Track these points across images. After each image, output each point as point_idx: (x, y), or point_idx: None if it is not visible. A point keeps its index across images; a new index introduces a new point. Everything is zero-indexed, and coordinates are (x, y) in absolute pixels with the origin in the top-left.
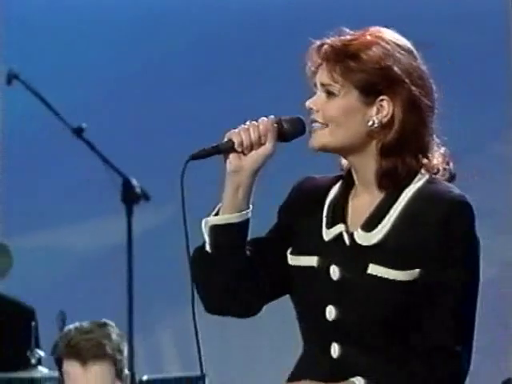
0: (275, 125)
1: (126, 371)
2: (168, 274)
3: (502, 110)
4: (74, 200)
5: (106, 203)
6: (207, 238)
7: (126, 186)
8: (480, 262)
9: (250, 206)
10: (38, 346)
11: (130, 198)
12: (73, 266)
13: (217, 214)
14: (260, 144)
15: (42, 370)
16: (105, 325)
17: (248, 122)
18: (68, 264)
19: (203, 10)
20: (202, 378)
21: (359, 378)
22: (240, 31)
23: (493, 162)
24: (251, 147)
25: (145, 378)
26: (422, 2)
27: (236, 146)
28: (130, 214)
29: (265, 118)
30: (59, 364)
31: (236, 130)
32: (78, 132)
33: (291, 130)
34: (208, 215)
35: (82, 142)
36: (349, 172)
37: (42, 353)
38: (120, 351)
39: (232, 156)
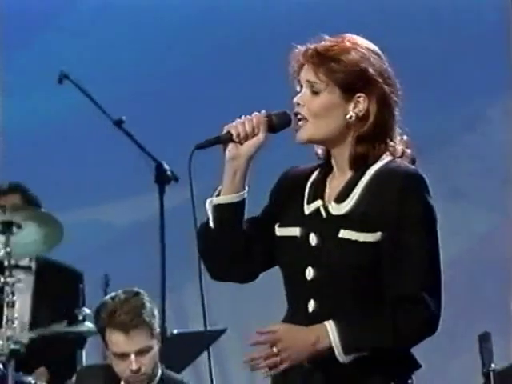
0: (266, 118)
1: (158, 329)
2: (193, 243)
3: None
4: (115, 181)
5: (141, 184)
6: (210, 216)
7: (159, 169)
8: (436, 222)
9: (246, 187)
10: (84, 304)
11: (162, 179)
12: (115, 236)
13: (218, 195)
14: (253, 135)
15: (88, 325)
16: (138, 294)
17: (243, 117)
18: (110, 235)
19: (223, 17)
20: (224, 331)
21: (331, 321)
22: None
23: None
24: (246, 137)
25: (175, 331)
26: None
27: (234, 137)
28: (162, 192)
29: (257, 113)
30: (102, 333)
31: (233, 124)
32: (118, 123)
33: (279, 123)
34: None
35: (122, 133)
36: (327, 159)
37: (87, 310)
38: (153, 316)
39: (230, 145)
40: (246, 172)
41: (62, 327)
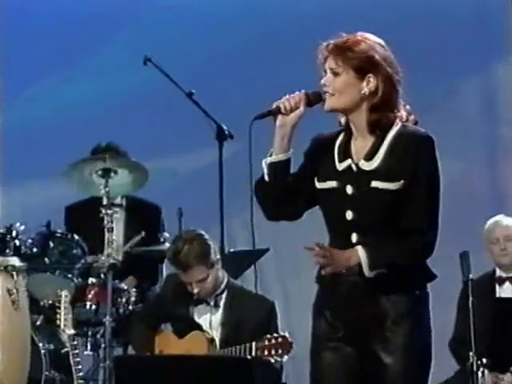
0: (305, 96)
1: (215, 258)
2: (243, 183)
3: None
4: (187, 139)
5: (206, 140)
6: (265, 171)
7: (219, 129)
8: (439, 173)
9: (291, 149)
10: (164, 230)
11: (221, 137)
12: (184, 179)
13: (271, 156)
14: (296, 108)
15: (167, 245)
16: (197, 237)
17: (287, 95)
18: (180, 178)
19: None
20: (267, 250)
21: (360, 246)
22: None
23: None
24: (291, 110)
25: (231, 250)
26: None
27: (282, 110)
28: (221, 147)
29: (298, 92)
30: (172, 265)
31: (281, 100)
32: (189, 95)
33: (314, 99)
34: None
35: (191, 102)
36: (348, 125)
37: (167, 234)
38: (209, 252)
39: (279, 117)
40: (291, 137)
41: (147, 247)
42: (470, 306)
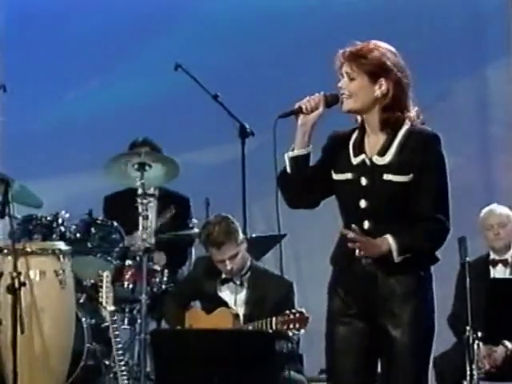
0: (324, 97)
1: (242, 237)
2: (263, 175)
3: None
4: (213, 136)
5: (230, 137)
6: (288, 164)
7: (242, 127)
8: (446, 166)
9: (311, 145)
10: (192, 217)
11: (244, 134)
12: (208, 173)
13: (293, 150)
14: (316, 108)
15: (195, 230)
16: (225, 219)
17: (308, 97)
18: (206, 172)
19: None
20: (284, 235)
21: (389, 235)
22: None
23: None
24: (311, 110)
25: (253, 235)
26: None
27: (303, 110)
28: (243, 143)
29: (317, 94)
30: (205, 246)
31: (303, 101)
32: (215, 97)
33: (332, 100)
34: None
35: (217, 104)
36: (362, 124)
37: (195, 221)
38: (236, 231)
39: (301, 116)
40: (311, 134)
41: (178, 232)
42: (467, 285)
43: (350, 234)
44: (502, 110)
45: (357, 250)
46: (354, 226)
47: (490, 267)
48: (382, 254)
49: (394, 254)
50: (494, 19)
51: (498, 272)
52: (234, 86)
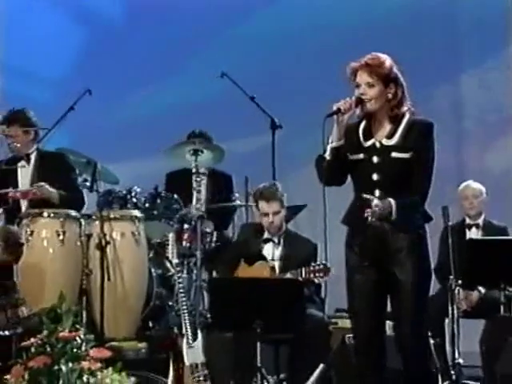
0: (355, 100)
1: (285, 203)
2: (288, 160)
3: None
4: (251, 129)
5: (263, 129)
6: (328, 153)
7: (272, 122)
8: (435, 148)
9: (343, 138)
10: (234, 191)
11: (274, 127)
12: (248, 156)
13: (332, 143)
14: (350, 109)
15: (238, 202)
16: (274, 184)
17: (342, 100)
18: (245, 155)
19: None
20: (305, 206)
21: (391, 199)
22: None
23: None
24: (347, 111)
25: None
26: None
27: (342, 110)
28: (273, 134)
29: (348, 98)
30: (256, 202)
31: (340, 103)
32: (252, 98)
33: (358, 103)
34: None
35: (253, 103)
36: (369, 115)
37: (237, 194)
38: (282, 195)
39: (339, 115)
40: (344, 129)
41: (222, 204)
42: (450, 243)
43: (368, 197)
44: (473, 109)
45: (369, 218)
46: (364, 195)
47: (466, 230)
48: (386, 210)
49: (393, 212)
50: (468, 36)
51: (473, 233)
52: (267, 89)
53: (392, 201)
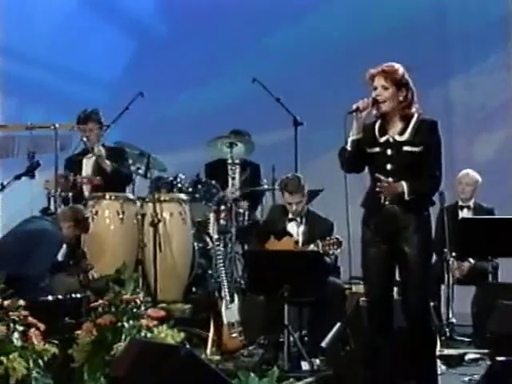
0: (372, 101)
1: (306, 191)
2: (308, 152)
3: None
4: (277, 125)
5: (287, 125)
6: (349, 145)
7: (295, 120)
8: (441, 142)
9: (362, 132)
10: (262, 178)
11: (296, 124)
12: (275, 148)
13: (352, 136)
14: (367, 108)
15: (265, 187)
16: (300, 177)
17: (361, 100)
18: (272, 147)
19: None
20: (322, 190)
21: (402, 181)
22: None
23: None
24: (364, 109)
25: None
26: None
27: (360, 109)
28: (296, 130)
29: (366, 98)
30: (282, 191)
31: (359, 102)
32: (277, 99)
33: (373, 103)
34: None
35: (279, 104)
36: (383, 115)
37: (265, 180)
38: (303, 185)
39: (358, 112)
40: (362, 125)
41: (253, 187)
42: (446, 221)
43: (382, 177)
44: (461, 108)
45: (382, 198)
46: (378, 175)
47: (459, 211)
48: (398, 192)
49: (406, 193)
50: (457, 47)
51: (464, 214)
52: (291, 91)
53: (404, 183)
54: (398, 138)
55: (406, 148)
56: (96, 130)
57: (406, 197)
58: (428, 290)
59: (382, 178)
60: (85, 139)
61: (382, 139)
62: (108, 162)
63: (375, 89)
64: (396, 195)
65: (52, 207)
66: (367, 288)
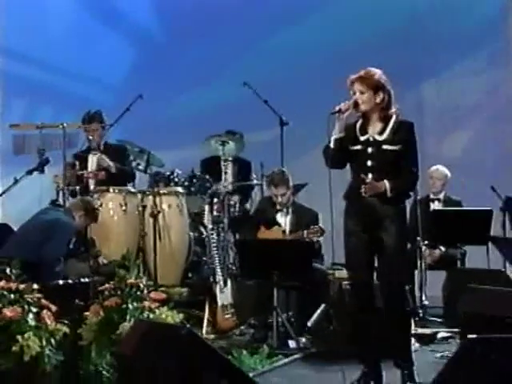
0: (353, 103)
1: (291, 185)
2: (294, 149)
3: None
4: (265, 125)
5: (273, 125)
6: (332, 143)
7: (281, 119)
8: (417, 141)
9: (344, 131)
10: (252, 173)
11: (282, 123)
12: (263, 146)
13: (335, 135)
14: (348, 109)
15: (255, 182)
16: (284, 171)
17: (342, 102)
18: (261, 145)
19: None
20: (306, 184)
21: (385, 180)
22: None
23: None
24: (346, 110)
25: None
26: None
27: (342, 110)
28: (282, 129)
29: (347, 101)
30: (268, 185)
31: (341, 104)
32: (265, 101)
33: (354, 105)
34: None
35: (267, 106)
36: (364, 116)
37: (254, 175)
38: (288, 179)
39: (340, 113)
40: (344, 124)
41: (244, 182)
42: (418, 212)
43: (366, 178)
44: (431, 109)
45: (363, 192)
46: (361, 175)
47: (430, 203)
48: (381, 192)
49: (388, 192)
50: (428, 51)
51: (435, 206)
52: (279, 93)
53: (386, 182)
54: (377, 137)
55: (385, 146)
56: (99, 129)
57: (388, 194)
58: (404, 275)
59: (364, 177)
60: (90, 137)
61: (363, 138)
62: (112, 164)
63: (354, 93)
64: (378, 193)
65: (60, 199)
66: (351, 273)
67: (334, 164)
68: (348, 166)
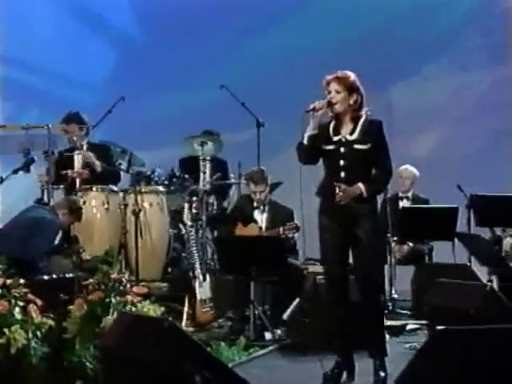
0: (327, 102)
1: (269, 182)
2: (269, 149)
3: None
4: (241, 127)
5: (250, 126)
6: (306, 139)
7: (258, 121)
8: (386, 139)
9: (317, 129)
10: (229, 173)
11: (259, 125)
12: (240, 146)
13: (309, 132)
14: (322, 108)
15: (232, 180)
16: (263, 170)
17: (317, 101)
18: (238, 146)
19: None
20: (281, 183)
21: (360, 183)
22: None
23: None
24: (320, 109)
25: None
26: None
27: (316, 108)
28: (258, 130)
29: (322, 100)
30: (248, 182)
31: (315, 103)
32: (242, 104)
33: (329, 105)
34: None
35: (244, 108)
36: (336, 117)
37: (232, 175)
38: (267, 177)
39: (314, 111)
40: (318, 122)
41: (222, 181)
42: (388, 209)
43: (338, 184)
44: (401, 110)
45: (337, 200)
46: (335, 183)
47: (399, 200)
48: (357, 194)
49: (364, 194)
50: (398, 55)
51: (404, 203)
52: (254, 96)
53: (361, 185)
54: (348, 137)
55: (356, 146)
56: (77, 130)
57: (365, 195)
58: (379, 269)
59: (338, 184)
60: (75, 138)
61: (336, 138)
62: (98, 163)
63: (329, 93)
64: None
65: (45, 198)
66: (327, 268)
67: (306, 160)
68: (320, 162)
